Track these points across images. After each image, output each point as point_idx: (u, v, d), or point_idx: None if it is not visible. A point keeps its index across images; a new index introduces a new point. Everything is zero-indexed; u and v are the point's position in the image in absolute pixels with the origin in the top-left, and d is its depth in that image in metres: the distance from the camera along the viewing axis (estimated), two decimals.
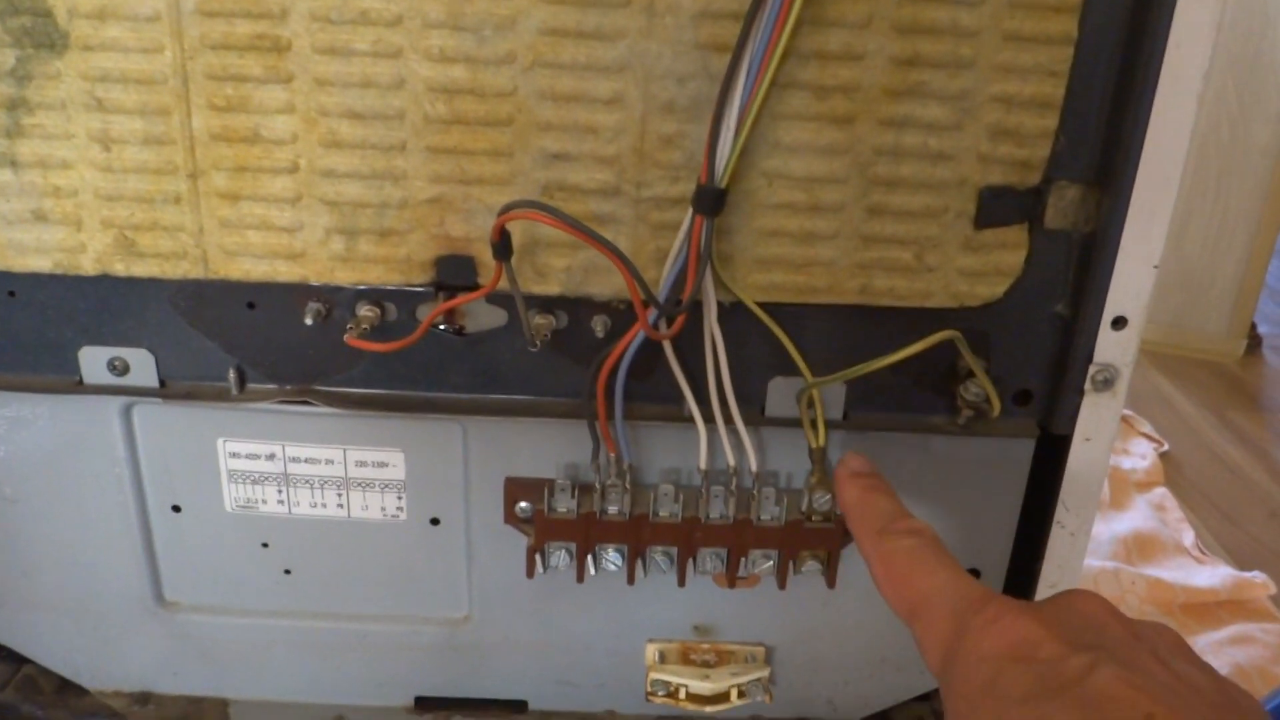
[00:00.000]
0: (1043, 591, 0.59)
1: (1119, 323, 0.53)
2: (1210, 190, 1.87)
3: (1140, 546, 1.23)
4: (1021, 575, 0.61)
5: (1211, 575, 1.17)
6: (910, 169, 0.50)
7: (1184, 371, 1.87)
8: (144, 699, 0.66)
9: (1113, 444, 0.56)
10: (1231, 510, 1.39)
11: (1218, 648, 1.05)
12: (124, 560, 0.62)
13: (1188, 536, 1.28)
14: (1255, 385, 1.88)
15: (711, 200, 0.48)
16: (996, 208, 0.51)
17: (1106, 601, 0.39)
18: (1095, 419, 0.55)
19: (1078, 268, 0.53)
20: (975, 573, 0.62)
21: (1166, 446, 1.55)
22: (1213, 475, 1.50)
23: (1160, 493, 1.39)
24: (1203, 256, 1.92)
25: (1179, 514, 1.34)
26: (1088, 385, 0.54)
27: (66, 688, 0.66)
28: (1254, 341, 2.01)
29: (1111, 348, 0.53)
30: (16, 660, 0.67)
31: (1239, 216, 1.89)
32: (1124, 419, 1.45)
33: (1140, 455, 1.50)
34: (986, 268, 0.52)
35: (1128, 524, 1.27)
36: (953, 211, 0.51)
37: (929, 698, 0.67)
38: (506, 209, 0.46)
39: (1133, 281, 0.52)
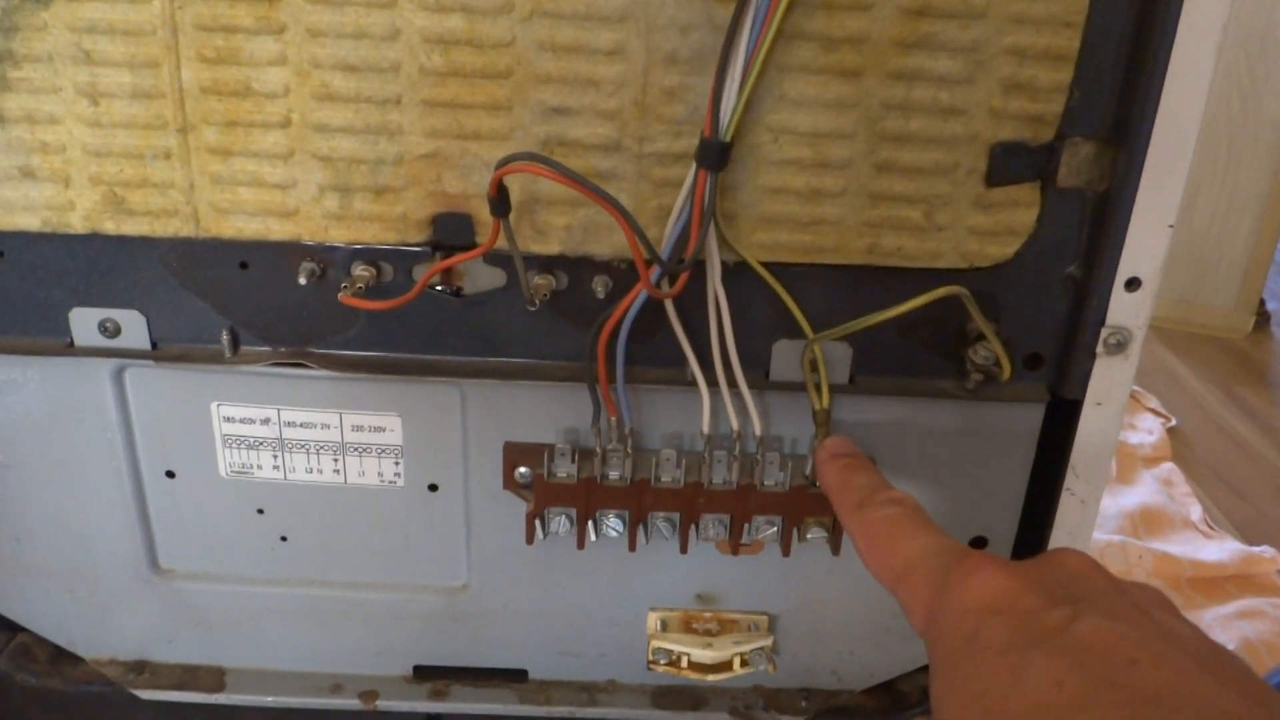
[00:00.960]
0: None
1: (1132, 284, 0.51)
2: (1220, 164, 1.85)
3: (1147, 521, 1.22)
4: (1030, 543, 0.60)
5: (1219, 550, 1.16)
6: (920, 124, 0.49)
7: (1192, 347, 1.85)
8: (139, 668, 0.65)
9: (1125, 409, 0.55)
10: (1239, 485, 1.38)
11: (1226, 621, 1.04)
12: (117, 527, 0.61)
13: (1195, 511, 1.27)
14: (1263, 361, 1.86)
15: (716, 154, 0.47)
16: (1008, 165, 0.50)
17: (1091, 558, 0.39)
18: (1107, 383, 0.53)
19: (1091, 227, 0.51)
20: (982, 540, 0.60)
21: (1174, 422, 1.54)
22: (1220, 450, 1.49)
23: (1168, 468, 1.38)
24: (1211, 231, 1.90)
25: (1186, 489, 1.33)
26: (1100, 348, 0.52)
27: (61, 656, 0.66)
28: (1262, 317, 1.99)
29: (1125, 309, 0.52)
30: (10, 629, 0.66)
31: (1249, 191, 1.87)
32: (1131, 394, 1.44)
33: (1147, 430, 1.48)
34: (997, 227, 0.51)
35: (1135, 498, 1.25)
36: (963, 168, 0.50)
37: None
38: (504, 162, 0.44)
39: (1147, 241, 0.50)
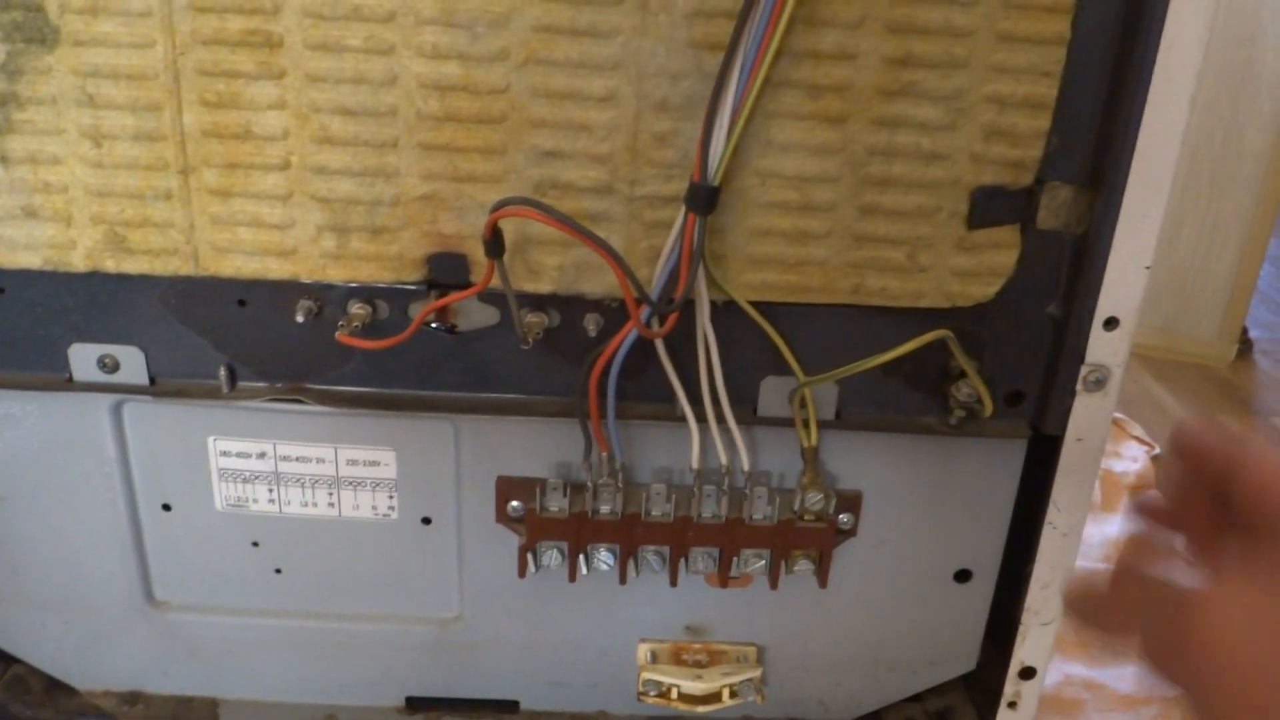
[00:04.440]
0: (1034, 593, 0.59)
1: (1110, 323, 0.52)
2: (1203, 195, 1.87)
3: None
4: (1013, 576, 0.61)
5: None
6: (903, 168, 0.50)
7: (1175, 375, 1.86)
8: (133, 699, 0.66)
9: (1105, 444, 0.56)
10: None
11: None
12: (114, 559, 0.61)
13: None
14: (1246, 389, 1.88)
15: (705, 198, 0.48)
16: (989, 208, 0.51)
17: None
18: (1087, 419, 0.54)
19: (1070, 268, 0.53)
20: (966, 574, 0.62)
21: (1158, 450, 1.55)
22: None
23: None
24: (1195, 261, 1.92)
25: None
26: (1079, 385, 0.54)
27: (56, 688, 0.66)
28: (1245, 346, 2.01)
29: (1103, 348, 0.53)
30: (5, 660, 0.66)
31: (1231, 221, 1.89)
32: (1116, 422, 1.44)
33: (1131, 458, 1.49)
34: (979, 268, 0.52)
35: (1119, 526, 1.26)
36: (945, 211, 0.51)
37: (920, 698, 0.67)
38: (498, 206, 0.45)
39: (1124, 282, 0.52)
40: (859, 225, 0.51)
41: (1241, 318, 1.96)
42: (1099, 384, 0.54)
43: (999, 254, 0.52)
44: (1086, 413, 0.54)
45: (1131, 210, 0.50)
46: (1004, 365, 0.55)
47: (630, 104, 0.49)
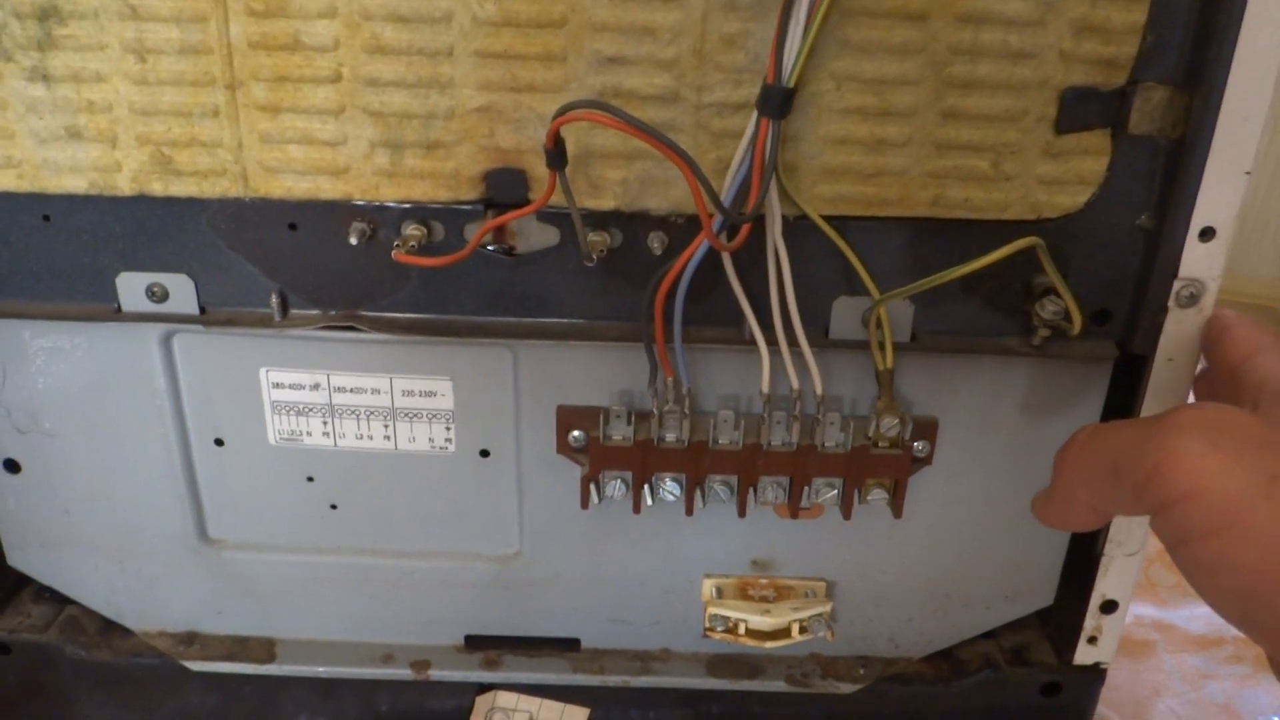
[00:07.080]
0: (1117, 523, 0.57)
1: (1206, 234, 0.50)
2: (1265, 130, 1.81)
3: None
4: None
5: None
6: (988, 69, 0.47)
7: None
8: (189, 639, 0.65)
9: (1196, 365, 0.53)
10: None
11: None
12: (166, 496, 0.60)
13: None
14: None
15: (779, 101, 0.45)
16: (1079, 110, 0.48)
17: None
18: (1179, 337, 0.52)
19: (1163, 176, 0.49)
20: None
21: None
22: None
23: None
24: (1257, 199, 1.87)
25: None
26: (1171, 301, 0.51)
27: (110, 628, 0.65)
28: None
29: (1198, 261, 0.50)
30: (59, 601, 0.65)
31: None
32: None
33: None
34: (1067, 176, 0.49)
35: None
36: (1033, 115, 0.48)
37: (995, 635, 0.65)
38: (564, 110, 0.43)
39: (1222, 189, 0.49)
40: (940, 131, 0.48)
41: None
42: (1193, 299, 0.51)
43: (1088, 161, 0.49)
44: (1179, 330, 0.51)
45: (1231, 113, 0.47)
46: (1090, 281, 0.52)
47: (697, 3, 0.46)
